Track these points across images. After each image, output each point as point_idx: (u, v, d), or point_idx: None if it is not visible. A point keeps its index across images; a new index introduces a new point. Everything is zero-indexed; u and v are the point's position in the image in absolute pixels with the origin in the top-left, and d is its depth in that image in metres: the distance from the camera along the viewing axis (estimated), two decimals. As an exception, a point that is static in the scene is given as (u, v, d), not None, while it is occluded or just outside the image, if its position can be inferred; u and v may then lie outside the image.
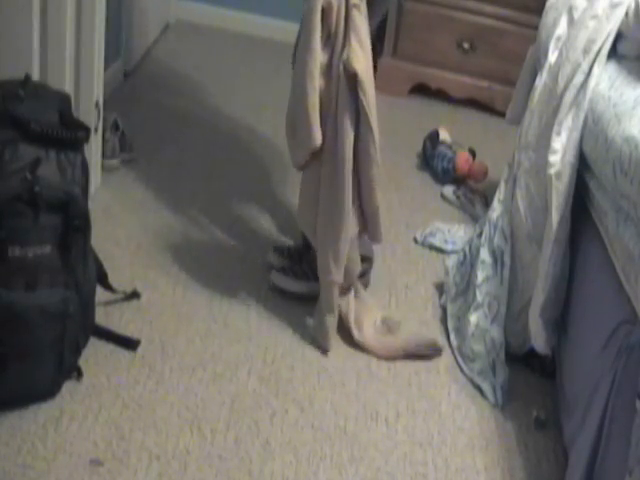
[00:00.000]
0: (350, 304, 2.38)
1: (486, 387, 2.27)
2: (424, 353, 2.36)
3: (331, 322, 2.31)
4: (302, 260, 2.51)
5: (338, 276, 2.28)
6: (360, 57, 2.12)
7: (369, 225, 2.32)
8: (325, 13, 2.11)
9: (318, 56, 2.12)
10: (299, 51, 2.19)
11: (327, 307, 2.31)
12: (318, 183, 2.23)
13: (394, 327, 2.40)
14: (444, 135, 3.42)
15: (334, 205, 2.22)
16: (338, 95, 2.15)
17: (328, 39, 2.13)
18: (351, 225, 2.25)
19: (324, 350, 2.31)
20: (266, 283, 2.51)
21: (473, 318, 2.34)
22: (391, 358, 2.33)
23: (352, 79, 2.12)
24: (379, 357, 2.33)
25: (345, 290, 2.37)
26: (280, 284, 2.49)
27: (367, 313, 2.41)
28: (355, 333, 2.35)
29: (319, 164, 2.22)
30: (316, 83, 2.13)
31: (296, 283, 2.48)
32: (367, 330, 2.36)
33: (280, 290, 2.49)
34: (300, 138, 2.20)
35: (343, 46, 2.13)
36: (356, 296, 2.41)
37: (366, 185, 2.24)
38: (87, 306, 2.06)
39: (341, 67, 2.12)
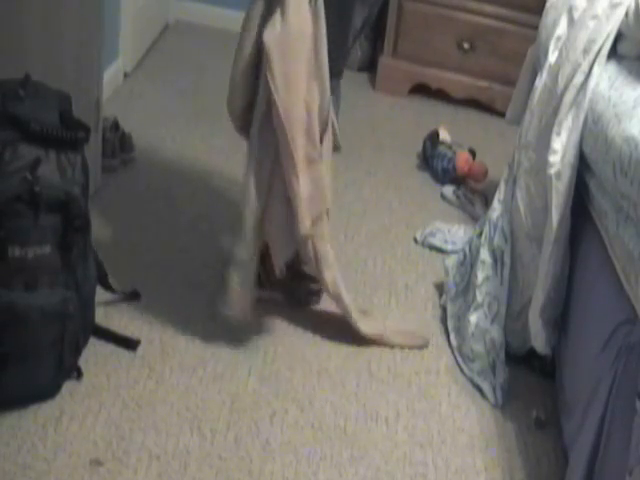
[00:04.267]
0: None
1: (486, 387, 2.27)
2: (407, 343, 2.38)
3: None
4: (262, 261, 2.44)
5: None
6: (276, 29, 2.04)
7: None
8: None
9: (253, 26, 2.09)
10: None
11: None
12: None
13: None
14: (444, 135, 3.41)
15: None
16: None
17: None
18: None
19: None
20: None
21: (473, 318, 2.34)
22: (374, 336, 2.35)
23: (262, 50, 2.07)
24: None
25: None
26: None
27: None
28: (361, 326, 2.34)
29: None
30: (246, 53, 2.10)
31: None
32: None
33: None
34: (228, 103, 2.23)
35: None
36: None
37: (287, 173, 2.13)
38: (87, 306, 2.06)
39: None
